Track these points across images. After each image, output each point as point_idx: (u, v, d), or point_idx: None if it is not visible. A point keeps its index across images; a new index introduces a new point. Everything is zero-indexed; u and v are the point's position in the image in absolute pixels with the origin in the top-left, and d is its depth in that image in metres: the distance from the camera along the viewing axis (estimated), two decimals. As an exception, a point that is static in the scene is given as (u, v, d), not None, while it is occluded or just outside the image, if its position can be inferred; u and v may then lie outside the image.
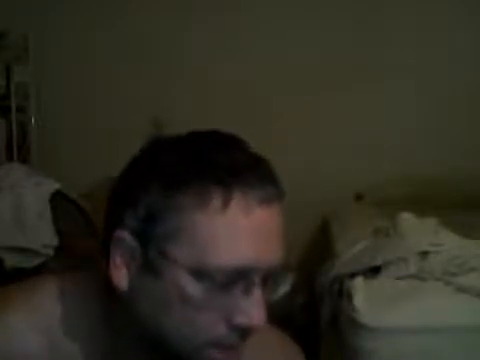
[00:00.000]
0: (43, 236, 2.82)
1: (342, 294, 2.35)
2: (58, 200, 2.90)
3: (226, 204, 0.78)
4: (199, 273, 0.78)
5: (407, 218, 2.61)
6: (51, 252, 2.82)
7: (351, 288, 2.28)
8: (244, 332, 0.81)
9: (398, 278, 2.31)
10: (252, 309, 0.80)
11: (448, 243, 2.37)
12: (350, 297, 2.24)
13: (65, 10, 3.58)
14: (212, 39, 3.56)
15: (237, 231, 0.79)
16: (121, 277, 0.83)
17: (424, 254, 2.34)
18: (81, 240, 2.84)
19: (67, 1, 3.61)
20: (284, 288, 0.87)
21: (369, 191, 3.52)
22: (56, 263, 2.79)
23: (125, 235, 0.82)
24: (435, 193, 3.38)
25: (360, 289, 2.26)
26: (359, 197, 3.56)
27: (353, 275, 2.35)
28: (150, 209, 0.80)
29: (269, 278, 0.82)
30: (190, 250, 0.79)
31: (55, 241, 2.83)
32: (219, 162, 0.80)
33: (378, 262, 2.36)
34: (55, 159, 3.58)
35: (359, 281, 2.31)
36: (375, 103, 3.59)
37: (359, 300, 2.20)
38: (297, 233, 3.52)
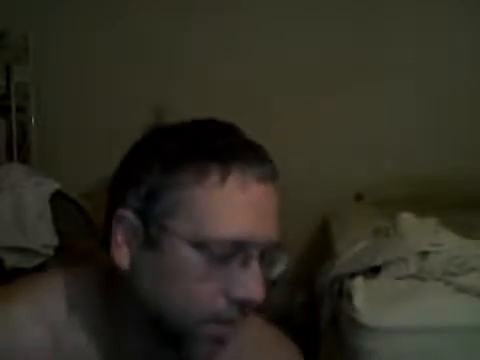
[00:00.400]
0: (43, 236, 2.82)
1: (342, 294, 2.35)
2: (58, 200, 2.90)
3: (224, 179, 0.81)
4: (199, 245, 0.81)
5: (407, 218, 2.61)
6: (51, 252, 2.82)
7: (351, 288, 2.28)
8: (243, 306, 0.83)
9: (398, 278, 2.31)
10: (250, 282, 0.82)
11: (448, 243, 2.37)
12: (350, 297, 2.24)
13: (65, 10, 3.58)
14: (212, 39, 3.56)
15: (234, 205, 0.82)
16: (122, 256, 0.85)
17: (424, 254, 2.34)
18: (81, 240, 2.84)
19: (67, 1, 3.61)
20: (281, 266, 0.87)
21: (369, 191, 3.52)
22: (56, 263, 2.79)
23: (127, 214, 0.84)
24: (435, 193, 3.38)
25: (360, 289, 2.26)
26: (359, 197, 3.56)
27: (353, 275, 2.35)
28: (151, 188, 0.83)
29: (266, 254, 0.84)
30: (189, 223, 0.81)
31: (55, 241, 2.83)
32: (217, 143, 0.84)
33: (378, 262, 2.36)
34: (55, 159, 3.58)
35: (359, 281, 2.31)
36: (375, 103, 3.59)
37: (359, 300, 2.20)
38: (297, 233, 3.52)
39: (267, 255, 0.85)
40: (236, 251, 0.82)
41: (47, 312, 0.89)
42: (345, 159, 3.57)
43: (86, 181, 3.44)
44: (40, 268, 2.77)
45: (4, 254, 2.78)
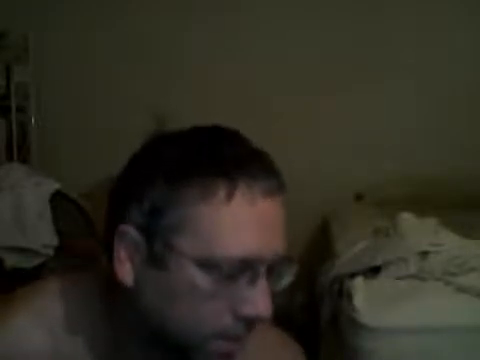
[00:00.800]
0: (43, 236, 2.82)
1: (342, 294, 2.35)
2: (58, 200, 2.90)
3: (231, 195, 0.79)
4: (206, 264, 0.79)
5: (407, 218, 2.61)
6: (51, 252, 2.82)
7: (351, 288, 2.28)
8: (250, 323, 0.82)
9: (398, 278, 2.31)
10: (258, 299, 0.81)
11: (448, 243, 2.37)
12: (350, 297, 2.24)
13: (65, 10, 3.58)
14: (212, 39, 3.56)
15: (242, 222, 0.80)
16: (125, 272, 0.83)
17: (424, 254, 2.34)
18: (81, 240, 2.84)
19: (67, 1, 3.61)
20: (288, 278, 0.86)
21: (369, 191, 3.52)
22: (56, 263, 2.79)
23: (129, 229, 0.82)
24: (435, 193, 3.38)
25: (360, 289, 2.26)
26: (359, 197, 3.56)
27: (353, 275, 2.35)
28: (155, 203, 0.81)
29: (273, 269, 0.83)
30: (196, 241, 0.79)
31: (55, 241, 2.83)
32: (223, 155, 0.81)
33: (378, 262, 2.36)
34: (55, 159, 3.58)
35: (359, 281, 2.31)
36: (375, 103, 3.58)
37: (359, 300, 2.20)
38: (297, 233, 3.52)
39: (274, 269, 0.84)
40: (244, 269, 0.80)
41: (47, 318, 0.88)
42: (345, 159, 3.57)
43: (86, 181, 3.44)
44: (40, 268, 2.77)
45: (4, 254, 2.78)
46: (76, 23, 3.57)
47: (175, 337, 0.82)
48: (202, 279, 0.80)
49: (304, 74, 3.55)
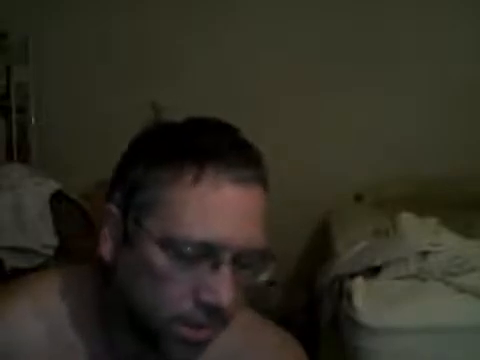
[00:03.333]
0: (43, 236, 2.82)
1: (342, 294, 2.35)
2: (58, 200, 2.90)
3: (197, 179, 0.81)
4: (166, 244, 0.80)
5: (407, 218, 2.62)
6: (51, 252, 2.82)
7: (351, 288, 2.28)
8: (210, 310, 0.81)
9: (398, 278, 2.31)
10: (219, 287, 0.80)
11: (448, 243, 2.37)
12: (350, 297, 2.24)
13: (65, 10, 3.58)
14: (212, 39, 3.56)
15: (206, 206, 0.80)
16: (107, 249, 0.87)
17: (424, 254, 2.34)
18: (81, 240, 2.84)
19: (67, 1, 3.61)
20: (265, 274, 0.85)
21: (369, 191, 3.52)
22: (56, 263, 2.79)
23: (112, 208, 0.87)
24: (435, 193, 3.38)
25: (360, 289, 2.26)
26: (359, 197, 3.55)
27: (353, 275, 2.35)
28: (132, 184, 0.85)
29: (242, 260, 0.82)
30: (161, 221, 0.81)
31: (55, 241, 2.83)
32: (201, 142, 0.84)
33: (378, 262, 2.37)
34: (55, 159, 3.58)
35: (359, 281, 2.31)
36: (375, 103, 3.58)
37: (359, 300, 2.20)
38: (297, 233, 3.52)
39: (246, 260, 0.83)
40: (206, 254, 0.80)
41: (44, 310, 0.90)
42: (345, 159, 3.57)
43: (86, 181, 3.44)
44: (40, 268, 2.77)
45: (4, 254, 2.78)
46: (76, 23, 3.57)
47: (141, 318, 0.83)
48: (161, 259, 0.81)
49: (304, 74, 3.55)
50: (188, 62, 3.57)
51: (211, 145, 0.83)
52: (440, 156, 3.51)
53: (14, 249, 2.79)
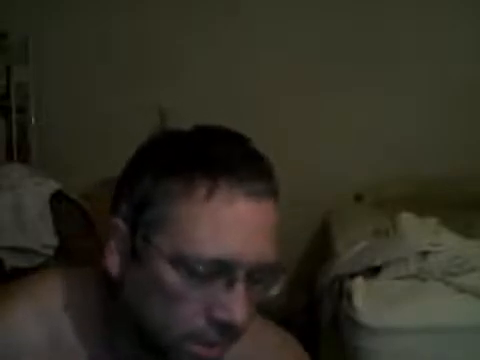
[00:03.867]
0: (43, 236, 2.82)
1: (342, 294, 2.35)
2: (58, 200, 2.90)
3: (210, 194, 0.78)
4: (178, 262, 0.78)
5: (407, 218, 2.61)
6: (51, 252, 2.82)
7: (351, 288, 2.28)
8: (223, 328, 0.80)
9: (398, 278, 2.31)
10: (233, 304, 0.78)
11: (448, 243, 2.37)
12: (350, 297, 2.24)
13: (65, 10, 3.58)
14: (212, 39, 3.56)
15: (219, 222, 0.78)
16: (114, 263, 0.84)
17: (424, 254, 2.34)
18: (81, 240, 2.84)
19: (67, 1, 3.61)
20: (276, 289, 0.83)
21: (369, 191, 3.52)
22: (56, 263, 2.79)
23: (119, 222, 0.84)
24: (435, 193, 3.38)
25: (360, 289, 2.26)
26: (359, 197, 3.55)
27: (353, 275, 2.35)
28: (140, 197, 0.82)
29: (255, 275, 0.81)
30: (172, 238, 0.79)
31: (55, 241, 2.83)
32: (209, 154, 0.81)
33: (378, 262, 2.36)
34: (55, 159, 3.57)
35: (359, 281, 2.31)
36: (375, 103, 3.58)
37: (359, 300, 2.20)
38: (297, 233, 3.52)
39: (258, 275, 0.81)
40: (219, 271, 0.78)
41: (46, 312, 0.89)
42: (345, 159, 3.56)
43: (86, 181, 3.44)
44: (40, 268, 2.77)
45: (4, 254, 2.78)
46: (76, 23, 3.57)
47: (151, 336, 0.82)
48: (172, 276, 0.78)
49: (304, 74, 3.55)
50: (188, 62, 3.57)
51: (223, 157, 0.80)
52: (440, 156, 3.51)
53: (14, 249, 2.79)
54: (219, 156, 0.80)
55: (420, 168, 3.49)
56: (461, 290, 2.23)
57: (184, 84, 3.56)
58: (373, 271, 2.37)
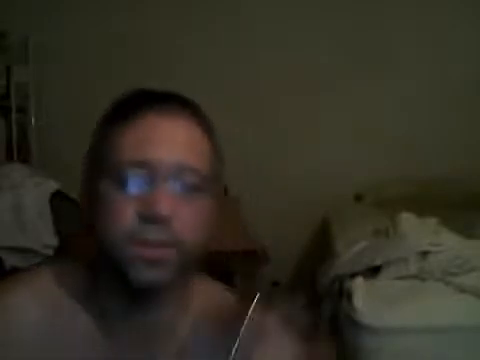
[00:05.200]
0: (43, 236, 2.82)
1: (342, 294, 2.35)
2: (58, 200, 2.90)
3: (133, 117, 0.95)
4: (109, 171, 0.92)
5: (407, 218, 2.62)
6: (51, 252, 2.82)
7: (351, 288, 2.28)
8: (154, 222, 0.89)
9: (398, 278, 2.31)
10: (156, 198, 0.89)
11: (448, 243, 2.37)
12: (350, 297, 2.24)
13: (65, 10, 3.58)
14: (212, 39, 3.56)
15: (139, 135, 0.93)
16: (85, 206, 0.98)
17: (424, 254, 2.34)
18: (81, 240, 2.84)
19: (67, 1, 3.61)
20: (207, 197, 0.96)
21: (369, 191, 3.52)
22: (56, 263, 2.78)
23: (85, 159, 0.98)
24: (435, 193, 3.38)
25: (360, 289, 2.26)
26: (359, 197, 3.56)
27: (353, 275, 2.35)
28: (91, 141, 1.00)
29: (180, 178, 0.92)
30: (106, 155, 0.94)
31: (55, 241, 2.83)
32: (141, 94, 1.01)
33: (378, 262, 2.37)
34: (55, 159, 3.58)
35: (359, 281, 2.31)
36: (375, 103, 3.59)
37: (359, 300, 2.21)
38: (297, 233, 3.52)
39: (183, 179, 0.92)
40: (143, 174, 0.91)
41: (41, 293, 0.99)
42: (345, 159, 3.57)
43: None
44: (40, 268, 2.77)
45: (4, 254, 2.78)
46: (76, 23, 3.57)
47: (106, 253, 0.93)
48: (106, 186, 0.92)
49: (304, 74, 3.56)
50: (188, 62, 3.57)
51: (148, 93, 1.00)
52: (440, 156, 3.51)
53: (14, 249, 2.79)
54: (145, 93, 1.01)
55: (420, 168, 3.49)
56: (461, 290, 2.23)
57: (184, 84, 3.55)
58: (373, 271, 2.37)
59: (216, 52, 3.58)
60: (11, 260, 2.78)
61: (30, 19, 3.55)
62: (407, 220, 2.60)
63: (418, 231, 2.48)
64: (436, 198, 3.31)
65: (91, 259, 1.01)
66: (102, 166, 0.93)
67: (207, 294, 1.02)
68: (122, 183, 0.91)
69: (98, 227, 0.94)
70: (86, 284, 0.99)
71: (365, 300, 2.20)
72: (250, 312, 0.94)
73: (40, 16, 3.56)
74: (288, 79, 3.56)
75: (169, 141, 0.93)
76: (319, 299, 2.59)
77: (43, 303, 0.98)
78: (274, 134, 3.48)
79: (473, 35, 3.55)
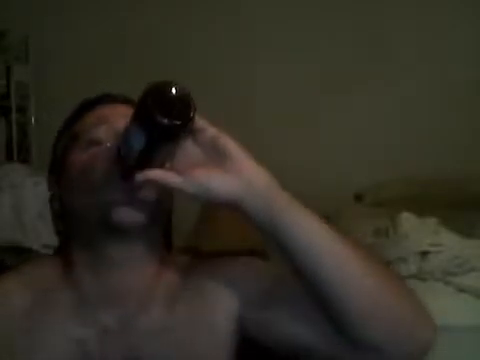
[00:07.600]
0: (43, 236, 2.82)
1: (342, 294, 2.34)
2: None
3: (88, 110, 1.29)
4: (76, 139, 1.20)
5: (407, 218, 2.61)
6: (51, 252, 2.81)
7: (351, 288, 2.27)
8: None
9: (398, 278, 2.31)
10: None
11: (448, 243, 2.37)
12: (350, 297, 2.24)
13: (65, 10, 3.58)
14: (212, 39, 3.56)
15: (92, 118, 1.24)
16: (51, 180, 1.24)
17: (424, 254, 2.34)
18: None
19: (67, 1, 3.61)
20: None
21: (369, 191, 3.52)
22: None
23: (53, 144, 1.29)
24: (435, 193, 3.38)
25: (360, 289, 2.25)
26: (359, 197, 3.55)
27: (353, 275, 2.35)
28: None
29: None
30: (75, 135, 1.23)
31: (55, 241, 2.82)
32: (100, 96, 1.35)
33: (378, 262, 2.36)
34: (55, 159, 3.57)
35: (359, 281, 2.30)
36: (375, 103, 3.59)
37: (359, 300, 2.20)
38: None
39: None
40: (100, 137, 1.16)
41: (28, 279, 1.17)
42: (345, 159, 3.57)
43: (86, 181, 3.44)
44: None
45: (4, 254, 2.78)
46: (76, 23, 3.58)
47: (78, 216, 1.14)
48: (75, 153, 1.16)
49: (304, 74, 3.56)
50: (188, 62, 3.57)
51: (106, 95, 1.32)
52: (440, 156, 3.51)
53: (14, 249, 2.79)
54: (103, 95, 1.35)
55: (420, 168, 3.49)
56: (461, 290, 2.22)
57: (184, 84, 3.56)
58: (373, 271, 2.36)
59: (216, 52, 3.58)
60: (11, 260, 2.78)
61: (30, 19, 3.55)
62: (407, 220, 2.60)
63: (418, 231, 2.48)
64: (436, 198, 3.30)
65: (63, 243, 1.24)
66: (72, 143, 1.18)
67: (178, 264, 1.18)
68: (88, 145, 1.14)
69: (73, 192, 1.12)
70: (64, 267, 1.17)
71: (365, 300, 2.20)
72: None
73: (40, 16, 3.56)
74: (288, 79, 3.56)
75: (114, 121, 1.18)
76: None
77: (28, 286, 1.15)
78: (274, 134, 3.48)
79: (473, 35, 3.55)
